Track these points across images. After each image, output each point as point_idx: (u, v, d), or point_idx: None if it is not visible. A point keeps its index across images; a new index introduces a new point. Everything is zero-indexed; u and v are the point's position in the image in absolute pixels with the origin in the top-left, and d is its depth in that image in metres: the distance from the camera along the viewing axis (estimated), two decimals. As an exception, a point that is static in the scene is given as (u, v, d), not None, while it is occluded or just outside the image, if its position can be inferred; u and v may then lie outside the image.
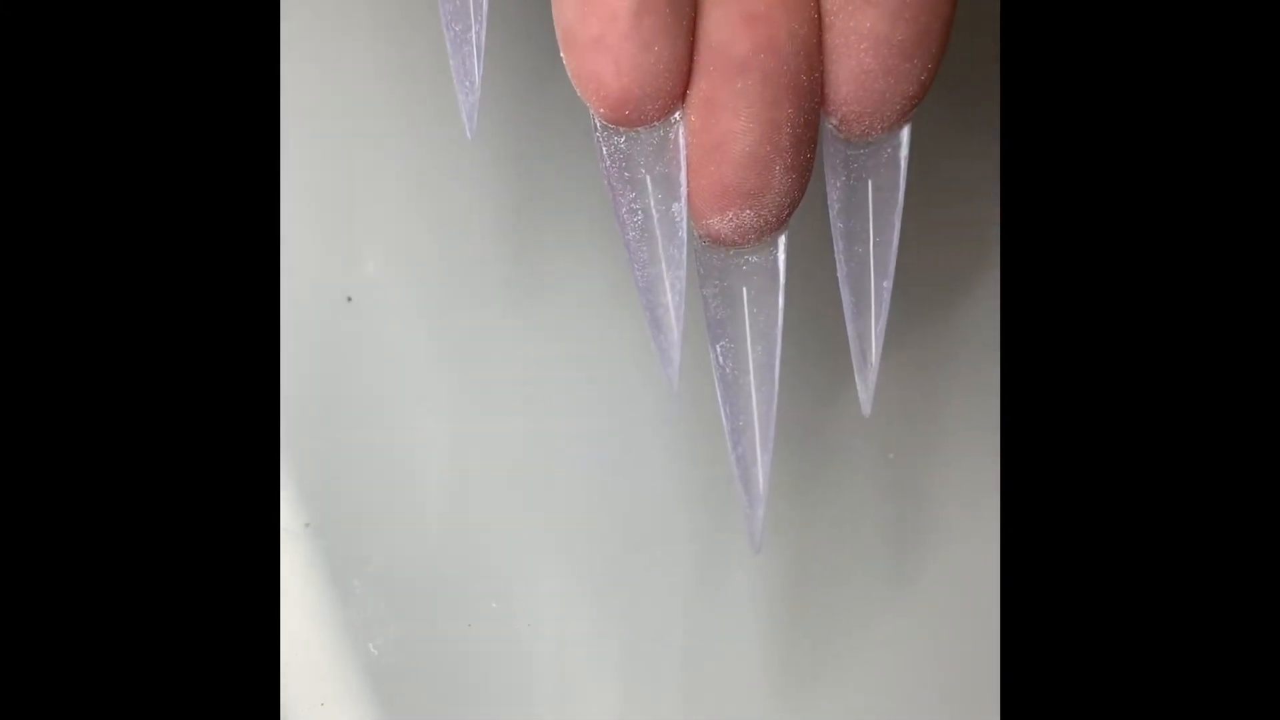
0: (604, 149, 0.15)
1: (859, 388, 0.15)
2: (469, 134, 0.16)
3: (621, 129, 0.15)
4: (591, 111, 0.15)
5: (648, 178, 0.15)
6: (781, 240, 0.15)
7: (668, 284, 0.15)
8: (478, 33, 0.16)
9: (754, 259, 0.15)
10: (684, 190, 0.15)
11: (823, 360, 0.21)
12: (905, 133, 0.15)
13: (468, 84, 0.16)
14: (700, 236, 0.15)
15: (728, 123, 0.14)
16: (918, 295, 0.22)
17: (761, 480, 0.15)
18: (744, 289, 0.15)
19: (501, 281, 0.22)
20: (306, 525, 0.21)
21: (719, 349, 0.15)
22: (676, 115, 0.15)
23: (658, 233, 0.15)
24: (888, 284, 0.15)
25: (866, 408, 0.15)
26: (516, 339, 0.22)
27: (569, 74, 0.15)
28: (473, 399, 0.22)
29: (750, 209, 0.15)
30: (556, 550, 0.21)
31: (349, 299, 0.22)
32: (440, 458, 0.22)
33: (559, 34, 0.15)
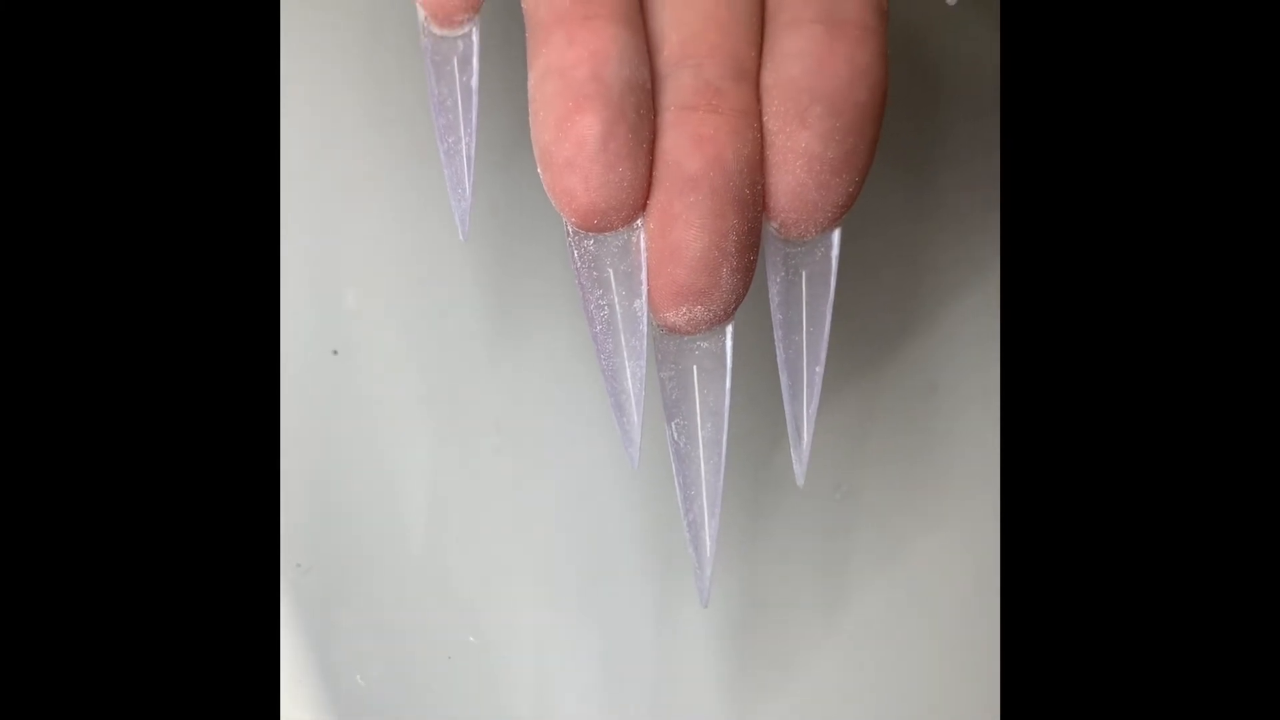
0: (575, 251, 0.17)
1: (794, 461, 0.17)
2: (462, 237, 0.18)
3: (591, 234, 0.17)
4: (564, 219, 0.17)
5: (613, 277, 0.17)
6: (729, 329, 0.17)
7: (629, 372, 0.17)
8: (468, 145, 0.18)
9: (705, 345, 0.17)
10: (644, 289, 0.17)
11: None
12: (836, 234, 0.18)
13: (460, 191, 0.18)
14: (658, 326, 0.17)
15: (681, 231, 0.17)
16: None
17: (709, 543, 0.17)
18: (695, 371, 0.17)
19: (479, 332, 0.24)
20: (297, 565, 0.23)
21: (674, 426, 0.17)
22: (639, 222, 0.17)
23: (621, 326, 0.17)
24: (820, 369, 0.17)
25: (800, 479, 0.17)
26: (493, 386, 0.24)
27: (545, 187, 0.17)
28: (451, 443, 0.23)
29: (701, 305, 0.17)
30: (534, 585, 0.23)
31: (335, 352, 0.24)
32: (421, 499, 0.23)
33: (536, 153, 0.17)
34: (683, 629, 0.23)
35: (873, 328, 0.25)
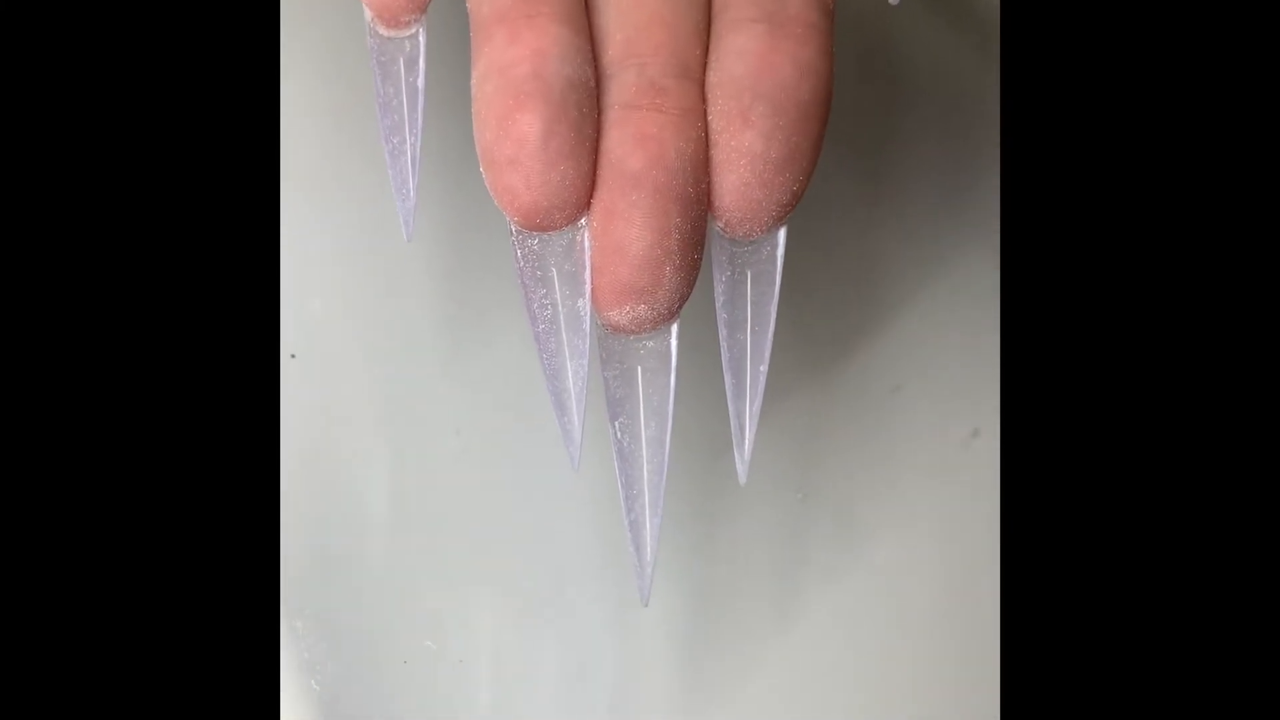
0: (518, 251, 0.17)
1: (736, 460, 0.17)
2: (406, 237, 0.18)
3: (534, 233, 0.17)
4: (507, 218, 0.17)
5: (556, 276, 0.17)
6: (674, 328, 0.17)
7: (571, 372, 0.17)
8: (413, 145, 0.18)
9: (650, 344, 0.17)
10: (588, 288, 0.17)
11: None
12: (782, 233, 0.18)
13: (404, 191, 0.18)
14: (602, 325, 0.17)
15: (623, 230, 0.16)
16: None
17: (650, 543, 0.17)
18: (639, 370, 0.17)
19: (437, 342, 0.24)
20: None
21: (617, 425, 0.17)
22: (582, 221, 0.17)
23: (563, 325, 0.17)
24: (764, 368, 0.17)
25: (743, 478, 0.17)
26: (450, 391, 0.24)
27: (487, 186, 0.17)
28: (408, 445, 0.23)
29: (645, 304, 0.17)
30: (491, 589, 0.23)
31: (293, 355, 0.24)
32: (378, 502, 0.23)
33: (479, 152, 0.17)
34: (642, 632, 0.23)
35: (832, 328, 0.25)
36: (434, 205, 0.24)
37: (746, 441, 0.17)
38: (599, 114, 0.17)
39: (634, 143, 0.17)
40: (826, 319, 0.25)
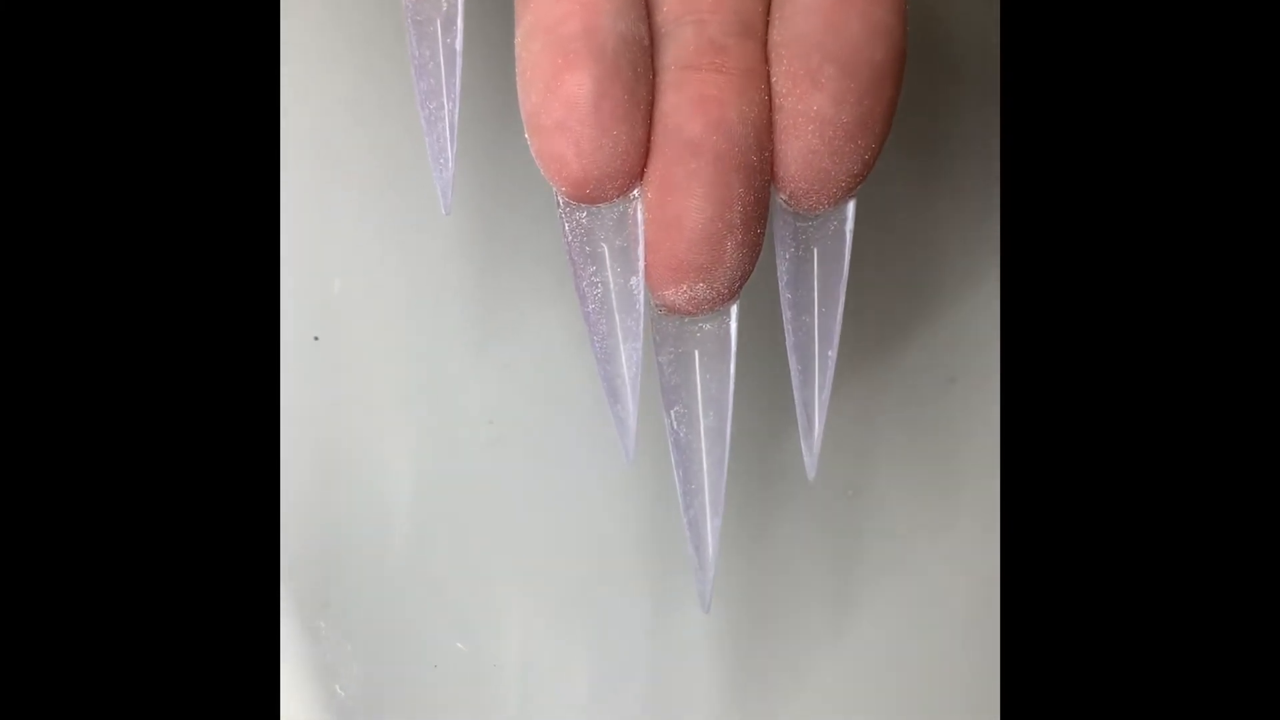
0: (566, 225, 0.16)
1: (804, 452, 0.16)
2: (444, 210, 0.17)
3: (583, 205, 0.16)
4: (554, 189, 0.16)
5: (607, 252, 0.16)
6: (734, 309, 0.16)
7: (624, 355, 0.16)
8: (450, 112, 0.17)
9: (707, 327, 0.16)
10: (641, 264, 0.16)
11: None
12: (851, 206, 0.16)
13: (442, 161, 0.17)
14: (656, 306, 0.16)
15: (681, 201, 0.15)
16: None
17: (711, 544, 0.16)
18: (697, 355, 0.16)
19: (468, 324, 0.23)
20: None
21: (673, 414, 0.16)
22: (635, 192, 0.16)
23: (616, 305, 0.16)
24: (832, 353, 0.16)
25: (811, 472, 0.16)
26: (482, 381, 0.22)
27: (533, 154, 0.16)
28: (438, 441, 0.22)
29: (703, 282, 0.15)
30: (525, 588, 0.22)
31: (315, 338, 0.23)
32: (405, 497, 0.22)
33: (524, 117, 0.16)
34: (679, 634, 0.22)
35: (883, 317, 0.24)
36: (466, 178, 0.22)
37: (816, 431, 0.16)
38: (654, 75, 0.16)
39: (693, 106, 0.15)
40: (877, 307, 0.24)
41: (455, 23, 0.17)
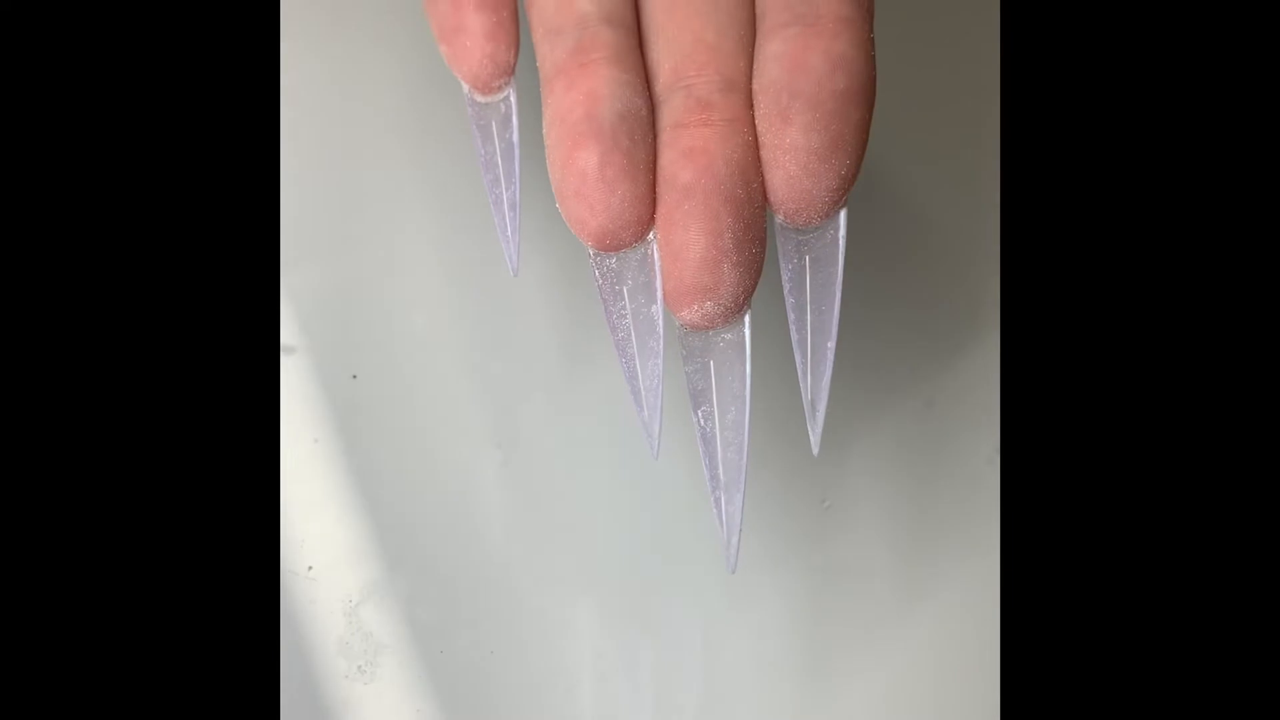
0: (596, 271, 0.19)
1: (810, 433, 0.19)
2: (513, 273, 0.20)
3: (610, 253, 0.19)
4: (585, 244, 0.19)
5: (630, 289, 0.19)
6: (747, 319, 0.19)
7: (648, 370, 0.19)
8: (511, 193, 0.21)
9: (727, 336, 0.19)
10: (660, 294, 0.19)
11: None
12: (842, 216, 0.19)
13: (507, 235, 0.20)
14: (680, 325, 0.19)
15: (681, 235, 0.18)
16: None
17: (737, 515, 0.19)
18: (718, 362, 0.19)
19: (540, 329, 0.25)
20: (309, 569, 0.23)
21: (700, 414, 0.19)
22: (651, 235, 0.19)
23: (640, 331, 0.19)
24: (831, 344, 0.18)
25: (816, 449, 0.19)
26: (551, 381, 0.24)
27: (563, 217, 0.19)
28: (507, 438, 0.24)
29: (710, 300, 0.18)
30: (587, 585, 0.23)
31: (354, 376, 0.24)
32: (478, 495, 0.23)
33: (553, 189, 0.19)
34: (738, 624, 0.23)
35: (869, 339, 0.25)
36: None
37: (819, 414, 0.19)
38: (654, 138, 0.19)
39: (683, 157, 0.18)
40: (861, 328, 0.24)
41: (510, 120, 0.21)
